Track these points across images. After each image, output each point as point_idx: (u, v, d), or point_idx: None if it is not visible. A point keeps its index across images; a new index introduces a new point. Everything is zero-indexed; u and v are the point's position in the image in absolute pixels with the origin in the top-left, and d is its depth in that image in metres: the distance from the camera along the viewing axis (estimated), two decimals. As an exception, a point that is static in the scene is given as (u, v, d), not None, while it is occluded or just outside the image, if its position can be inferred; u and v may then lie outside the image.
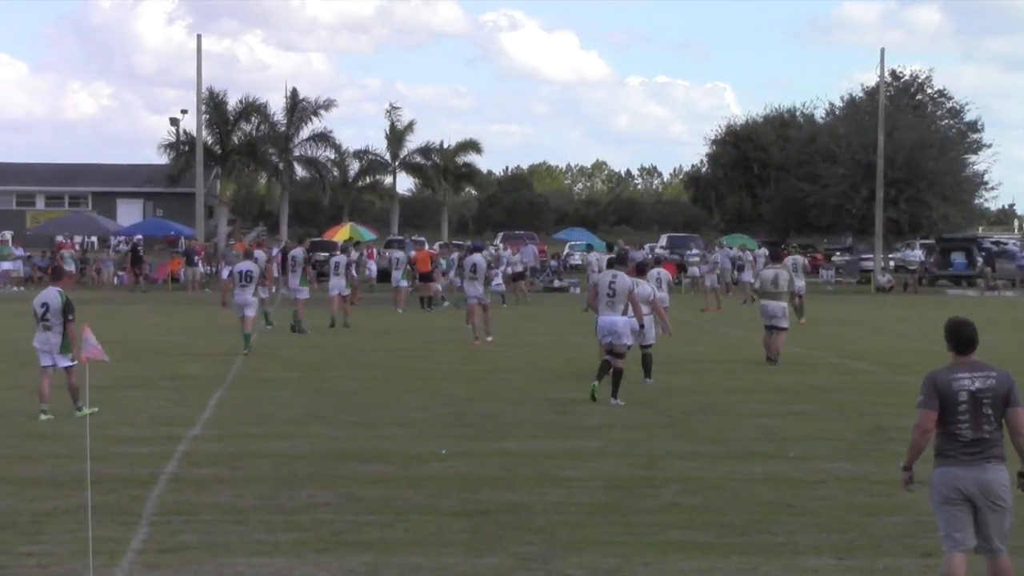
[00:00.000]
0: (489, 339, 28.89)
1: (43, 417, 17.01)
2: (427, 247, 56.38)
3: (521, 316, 39.27)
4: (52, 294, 17.31)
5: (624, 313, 19.30)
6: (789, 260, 38.56)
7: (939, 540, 8.76)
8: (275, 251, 46.94)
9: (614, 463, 14.28)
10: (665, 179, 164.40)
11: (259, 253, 35.76)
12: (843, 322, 35.61)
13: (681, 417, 17.86)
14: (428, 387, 20.95)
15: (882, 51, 64.09)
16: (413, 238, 64.99)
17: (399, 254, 42.75)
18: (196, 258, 54.69)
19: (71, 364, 17.10)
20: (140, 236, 64.71)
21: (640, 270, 22.40)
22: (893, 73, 77.25)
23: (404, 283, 42.19)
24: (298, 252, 33.55)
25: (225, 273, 52.35)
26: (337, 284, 33.65)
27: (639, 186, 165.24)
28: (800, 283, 33.90)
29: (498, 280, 42.36)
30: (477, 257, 29.71)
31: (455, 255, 45.35)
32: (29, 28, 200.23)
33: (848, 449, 15.39)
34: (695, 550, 10.57)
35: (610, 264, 20.82)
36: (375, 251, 58.53)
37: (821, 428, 17.09)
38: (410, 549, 10.54)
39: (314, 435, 16.02)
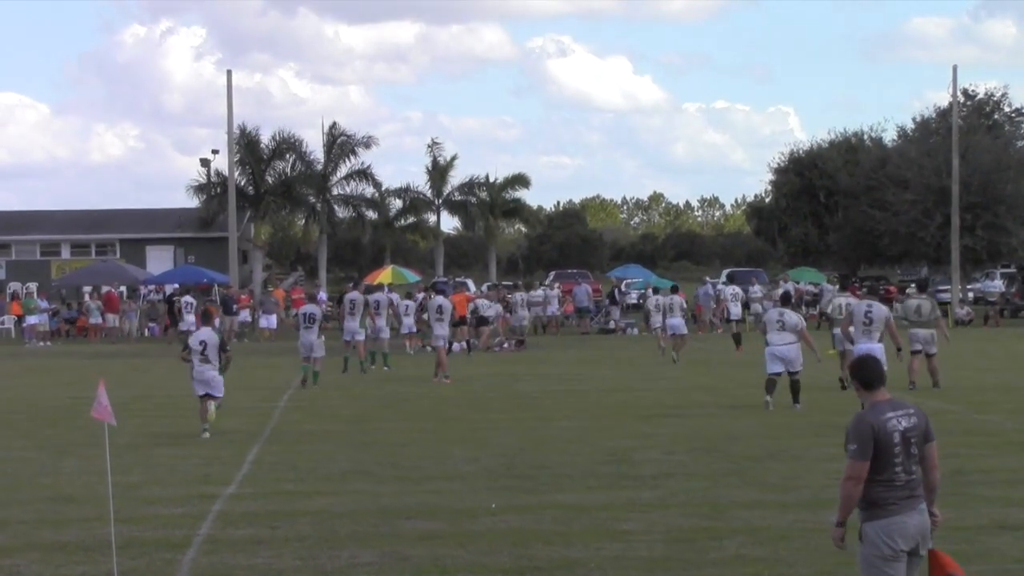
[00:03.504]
0: (447, 380, 30.55)
1: (206, 435, 20.91)
2: (472, 289, 56.57)
3: (574, 360, 39.22)
4: (208, 333, 21.40)
5: (880, 340, 21.19)
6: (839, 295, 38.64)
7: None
8: (320, 295, 47.39)
9: (675, 514, 14.22)
10: (727, 210, 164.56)
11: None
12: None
13: (746, 463, 17.77)
14: (476, 437, 20.95)
15: (954, 68, 63.75)
16: (456, 280, 65.11)
17: (408, 302, 43.18)
18: (235, 306, 54.81)
19: (220, 396, 21.25)
20: (176, 285, 64.84)
21: (785, 300, 25.12)
22: (965, 92, 76.99)
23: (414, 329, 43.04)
24: (356, 296, 35.02)
25: (263, 322, 53.03)
26: (352, 327, 34.41)
27: (699, 218, 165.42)
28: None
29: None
30: (441, 299, 32.40)
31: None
32: (49, 68, 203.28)
33: (926, 494, 15.22)
34: (763, 606, 10.50)
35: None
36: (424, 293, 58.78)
37: (897, 472, 16.92)
38: (459, 610, 10.52)
39: (356, 491, 16.04)
